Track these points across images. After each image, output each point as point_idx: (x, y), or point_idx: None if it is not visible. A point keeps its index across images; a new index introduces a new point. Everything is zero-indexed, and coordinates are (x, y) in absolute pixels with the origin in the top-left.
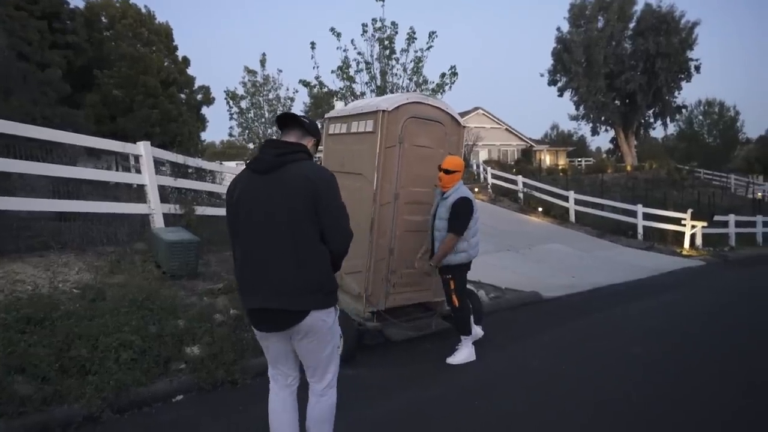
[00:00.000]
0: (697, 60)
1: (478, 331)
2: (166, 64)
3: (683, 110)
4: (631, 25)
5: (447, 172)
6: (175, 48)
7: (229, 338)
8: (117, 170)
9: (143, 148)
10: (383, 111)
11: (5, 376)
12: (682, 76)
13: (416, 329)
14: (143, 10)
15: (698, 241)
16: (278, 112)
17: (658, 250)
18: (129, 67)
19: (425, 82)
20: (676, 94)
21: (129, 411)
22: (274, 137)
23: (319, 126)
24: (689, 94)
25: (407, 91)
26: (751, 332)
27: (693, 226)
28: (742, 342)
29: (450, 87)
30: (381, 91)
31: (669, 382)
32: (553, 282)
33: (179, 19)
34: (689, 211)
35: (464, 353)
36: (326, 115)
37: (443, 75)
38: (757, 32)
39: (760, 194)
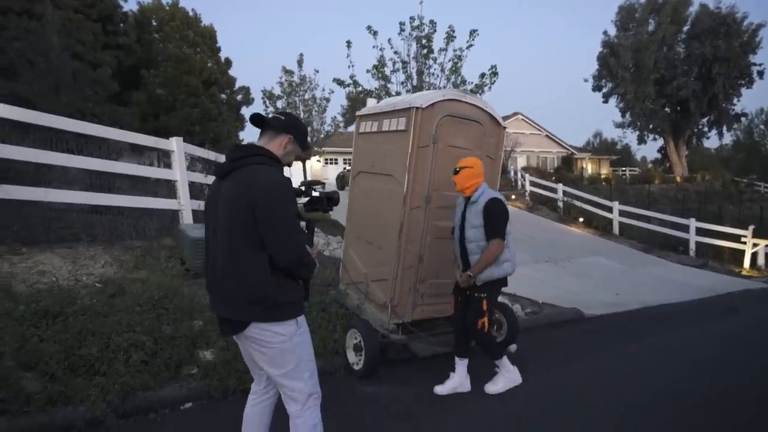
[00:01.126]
0: (760, 65)
1: (510, 348)
2: (209, 65)
3: (742, 119)
4: (686, 28)
5: (456, 171)
6: (219, 49)
7: None
8: (159, 166)
9: (175, 144)
10: (417, 108)
11: (13, 372)
12: (743, 82)
13: (444, 345)
14: (191, 13)
15: (760, 260)
16: (313, 112)
17: (713, 269)
18: (174, 67)
19: (464, 82)
20: (734, 101)
21: (134, 416)
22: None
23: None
24: (750, 101)
25: None
26: None
27: (755, 244)
28: None
29: (490, 88)
30: (417, 90)
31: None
32: (596, 298)
33: (223, 22)
34: (751, 227)
35: (504, 379)
36: (357, 113)
37: (483, 75)
38: None
39: None
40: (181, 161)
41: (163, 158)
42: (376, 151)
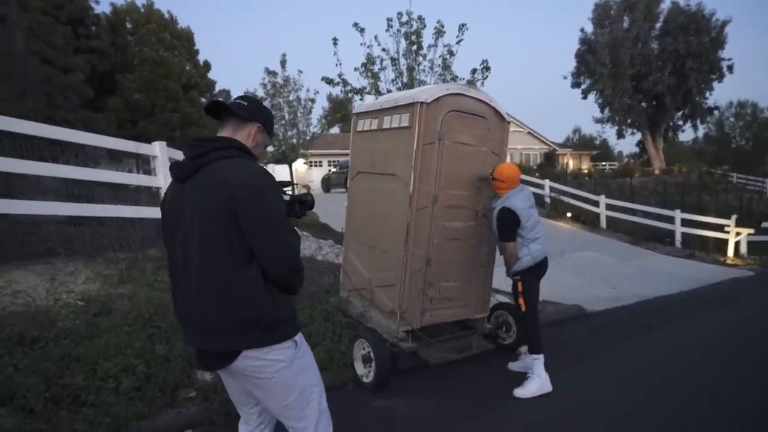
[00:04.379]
0: (729, 59)
1: (527, 361)
2: (187, 68)
3: (714, 112)
4: (658, 25)
5: (493, 179)
6: (196, 52)
7: None
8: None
9: (158, 149)
10: (421, 103)
11: None
12: (714, 76)
13: (456, 351)
14: (166, 15)
15: (743, 249)
16: (298, 114)
17: (700, 259)
18: (151, 71)
19: (455, 78)
20: (706, 95)
21: None
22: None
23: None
24: (720, 95)
25: None
26: None
27: (738, 234)
28: None
29: (482, 83)
30: (407, 88)
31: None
32: (595, 294)
33: (200, 24)
34: (734, 217)
35: (536, 384)
36: (354, 110)
37: (474, 71)
38: None
39: None
40: (165, 167)
41: (143, 165)
42: (376, 150)
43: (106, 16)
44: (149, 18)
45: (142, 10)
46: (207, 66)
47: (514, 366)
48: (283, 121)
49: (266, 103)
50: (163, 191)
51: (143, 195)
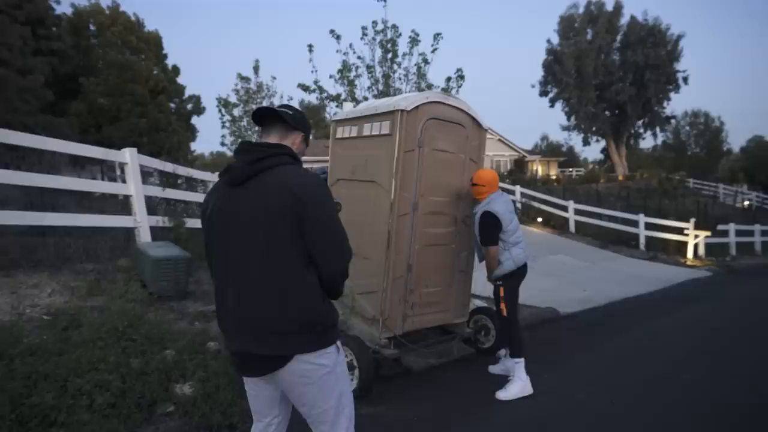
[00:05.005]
0: (684, 71)
1: (507, 364)
2: (155, 72)
3: (671, 121)
4: (619, 38)
5: (473, 185)
6: (165, 56)
7: (226, 372)
8: (103, 181)
9: (129, 156)
10: (402, 111)
11: None
12: (671, 87)
13: (437, 356)
14: (133, 18)
15: (701, 250)
16: None
17: (662, 261)
18: (117, 75)
19: (430, 86)
20: (664, 104)
21: None
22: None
23: (307, 130)
24: (677, 105)
25: None
26: None
27: (696, 236)
28: None
29: (457, 91)
30: (384, 96)
31: (736, 413)
32: (567, 296)
33: (169, 28)
34: (692, 220)
35: (517, 387)
36: (333, 118)
37: (449, 79)
38: (740, 44)
39: (747, 203)
40: (135, 174)
41: (108, 172)
42: (356, 157)
43: (68, 17)
44: (115, 20)
45: (107, 12)
46: (176, 71)
47: (494, 369)
48: (257, 128)
49: (239, 110)
50: (135, 199)
51: (109, 203)
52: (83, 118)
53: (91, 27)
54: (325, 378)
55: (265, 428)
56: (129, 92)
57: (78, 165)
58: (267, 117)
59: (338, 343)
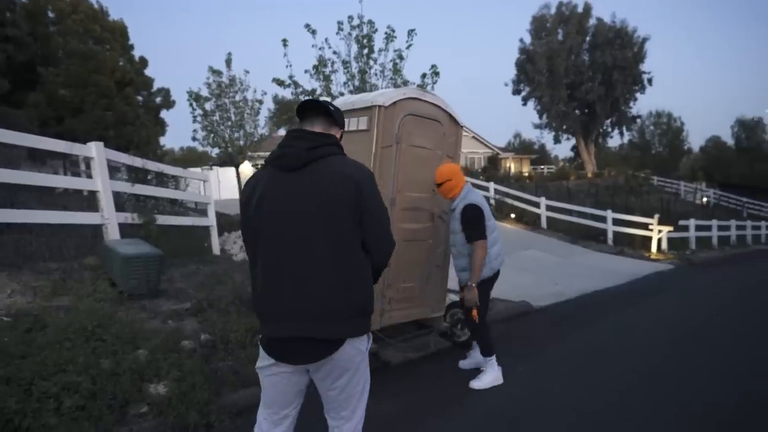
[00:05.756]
0: (649, 73)
1: (477, 357)
2: (121, 63)
3: (637, 120)
4: (588, 39)
5: (438, 185)
6: (131, 47)
7: (202, 370)
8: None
9: (95, 150)
10: (379, 107)
11: None
12: (637, 87)
13: (415, 350)
14: (95, 6)
15: (664, 245)
16: (245, 115)
17: (629, 255)
18: (79, 65)
19: (405, 82)
20: (631, 104)
21: None
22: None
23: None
24: (642, 105)
25: None
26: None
27: (659, 231)
28: (754, 342)
29: (432, 87)
30: (360, 92)
31: (706, 396)
32: (539, 291)
33: (136, 18)
34: (656, 216)
35: (490, 376)
36: None
37: (424, 75)
38: (701, 48)
39: (705, 199)
40: (102, 169)
41: (71, 167)
42: None
43: (23, 2)
44: (76, 8)
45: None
46: (143, 62)
47: (464, 364)
48: (230, 123)
49: (211, 104)
50: (102, 195)
51: (72, 199)
52: (42, 110)
53: (50, 14)
54: (360, 363)
55: (280, 421)
56: (93, 83)
57: (38, 159)
58: (311, 109)
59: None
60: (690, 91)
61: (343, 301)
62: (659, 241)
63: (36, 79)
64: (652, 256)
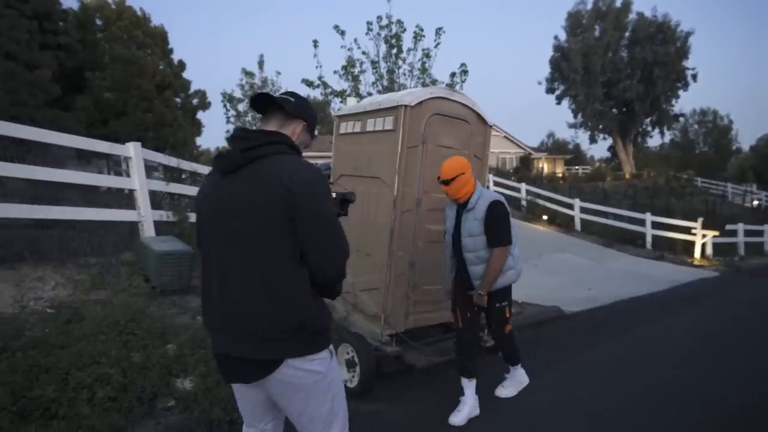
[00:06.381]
0: (693, 69)
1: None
2: (161, 67)
3: (680, 119)
4: (627, 34)
5: (445, 182)
6: (171, 51)
7: None
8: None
9: (133, 150)
10: (405, 106)
11: None
12: (679, 84)
13: (439, 354)
14: (139, 13)
15: (708, 250)
16: None
17: (669, 260)
18: (122, 69)
19: (434, 81)
20: (673, 102)
21: None
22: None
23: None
24: (685, 103)
25: None
26: None
27: (704, 236)
28: None
29: (461, 86)
30: (388, 92)
31: (743, 415)
32: (572, 295)
33: (175, 23)
34: (700, 219)
35: (514, 384)
36: (336, 113)
37: (453, 74)
38: (750, 43)
39: (756, 202)
40: (140, 168)
41: (114, 166)
42: (359, 153)
43: (75, 12)
44: (120, 15)
45: (113, 6)
46: (182, 65)
47: (504, 393)
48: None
49: (243, 105)
50: (139, 193)
51: (114, 197)
52: (90, 113)
53: (98, 21)
54: (316, 385)
55: None
56: (135, 87)
57: (83, 159)
58: (267, 104)
59: (331, 347)
60: (739, 87)
61: (270, 317)
62: (703, 246)
63: (84, 84)
64: (696, 262)
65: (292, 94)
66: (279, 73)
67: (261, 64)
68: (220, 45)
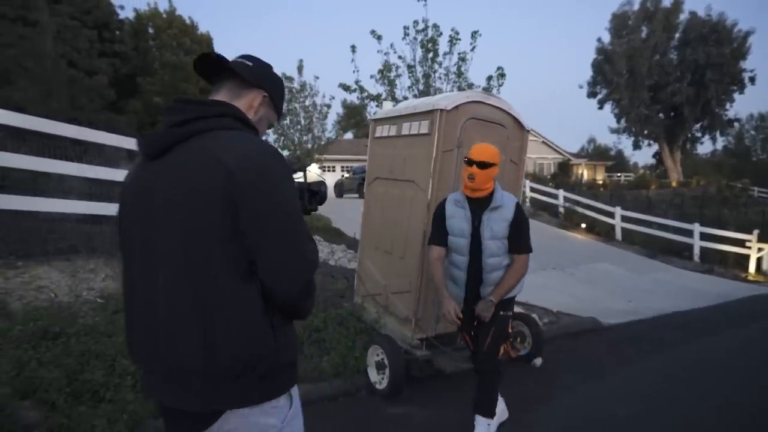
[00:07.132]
0: (751, 71)
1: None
2: None
3: (734, 124)
4: (677, 35)
5: (483, 165)
6: None
7: None
8: None
9: None
10: (441, 110)
11: (10, 401)
12: (735, 87)
13: (467, 360)
14: (187, 21)
15: (765, 265)
16: (314, 119)
17: (719, 274)
18: (171, 75)
19: (470, 85)
20: (726, 106)
21: None
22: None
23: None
24: (740, 107)
25: None
26: None
27: (759, 249)
28: None
29: (498, 90)
30: (424, 95)
31: None
32: (610, 306)
33: (219, 29)
34: (755, 232)
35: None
36: (372, 117)
37: (490, 78)
38: None
39: None
40: None
41: None
42: (394, 156)
43: (130, 21)
44: (171, 23)
45: (164, 15)
46: None
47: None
48: (299, 126)
49: (284, 106)
50: None
51: None
52: (140, 116)
53: (150, 30)
54: None
55: None
56: (182, 91)
57: (134, 159)
58: (220, 70)
59: (291, 390)
60: None
61: (200, 350)
62: (759, 260)
63: (135, 89)
64: (750, 277)
65: (251, 57)
66: (317, 77)
67: (300, 68)
68: (261, 50)
